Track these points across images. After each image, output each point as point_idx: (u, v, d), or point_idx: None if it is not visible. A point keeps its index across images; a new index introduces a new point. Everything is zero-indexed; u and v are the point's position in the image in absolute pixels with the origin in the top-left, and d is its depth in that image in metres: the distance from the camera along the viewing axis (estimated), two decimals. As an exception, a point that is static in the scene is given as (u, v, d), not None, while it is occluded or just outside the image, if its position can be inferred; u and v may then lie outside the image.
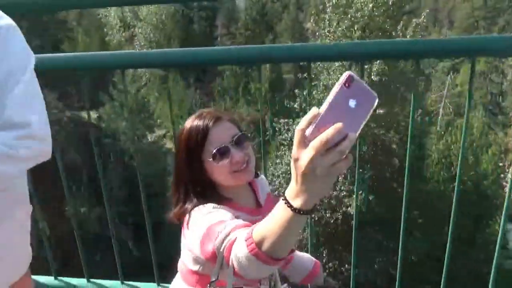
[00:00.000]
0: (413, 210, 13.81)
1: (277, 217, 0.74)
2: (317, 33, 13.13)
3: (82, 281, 2.04)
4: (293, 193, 0.71)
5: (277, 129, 14.78)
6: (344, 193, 13.03)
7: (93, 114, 25.65)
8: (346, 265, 13.44)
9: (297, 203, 0.70)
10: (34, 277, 2.01)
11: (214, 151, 1.05)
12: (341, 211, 13.21)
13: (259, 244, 0.77)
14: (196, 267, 1.08)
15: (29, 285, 1.26)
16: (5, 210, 1.03)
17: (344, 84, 0.67)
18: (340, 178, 13.12)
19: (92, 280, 2.02)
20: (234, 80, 25.39)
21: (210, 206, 1.06)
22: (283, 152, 15.00)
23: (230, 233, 0.91)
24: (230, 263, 0.86)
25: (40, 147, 1.03)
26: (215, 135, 1.07)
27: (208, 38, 34.28)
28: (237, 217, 1.04)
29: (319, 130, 0.66)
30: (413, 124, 1.48)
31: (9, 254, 1.07)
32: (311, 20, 13.38)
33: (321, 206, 13.20)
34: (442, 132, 19.00)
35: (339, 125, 0.65)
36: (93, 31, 30.99)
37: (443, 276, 1.69)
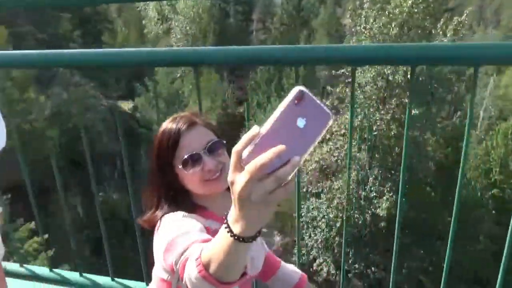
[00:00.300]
0: (447, 217, 13.34)
1: (220, 241, 0.67)
2: (353, 30, 12.84)
3: (106, 279, 2.02)
4: (233, 218, 0.63)
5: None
6: (374, 193, 12.75)
7: (129, 104, 26.43)
8: (373, 268, 13.19)
9: (236, 229, 0.63)
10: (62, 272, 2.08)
11: (185, 158, 1.00)
12: (370, 212, 12.94)
13: (206, 266, 0.71)
14: (165, 276, 1.02)
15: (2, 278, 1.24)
16: None
17: (294, 100, 0.60)
18: (370, 178, 12.85)
19: (116, 279, 2.01)
20: (267, 74, 25.34)
21: (180, 214, 1.01)
22: (313, 149, 14.84)
23: (187, 248, 0.86)
24: (184, 281, 0.81)
25: None
26: (187, 141, 1.02)
27: (243, 32, 34.36)
28: (209, 227, 0.99)
29: (258, 152, 0.59)
30: (469, 133, 1.34)
31: None
32: (348, 16, 13.06)
33: (350, 206, 12.99)
34: (482, 136, 18.20)
35: (279, 148, 0.57)
36: (132, 23, 31.75)
37: None
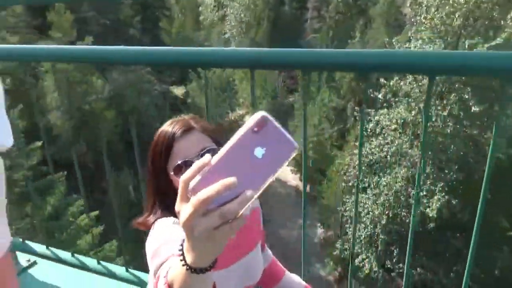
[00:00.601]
0: (504, 221, 12.54)
1: (177, 266, 0.63)
2: (412, 20, 12.19)
3: (122, 269, 2.06)
4: (185, 247, 0.59)
5: (357, 118, 14.25)
6: (424, 192, 12.22)
7: (181, 90, 27.18)
8: (418, 269, 12.73)
9: (188, 259, 0.58)
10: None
11: (177, 164, 0.96)
12: (419, 211, 12.45)
13: (171, 285, 0.67)
14: (155, 280, 1.03)
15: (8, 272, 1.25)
16: None
17: (253, 127, 0.53)
18: (421, 176, 12.33)
19: (130, 270, 2.05)
20: (319, 65, 24.88)
21: (171, 220, 0.98)
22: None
23: (166, 260, 0.84)
24: None
25: None
26: (181, 147, 0.98)
27: (297, 20, 33.91)
28: None
29: (205, 183, 0.53)
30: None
31: None
32: (408, 5, 12.39)
33: (397, 204, 12.57)
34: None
35: (228, 180, 0.51)
36: (189, 10, 32.40)
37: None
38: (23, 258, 2.15)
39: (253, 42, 31.44)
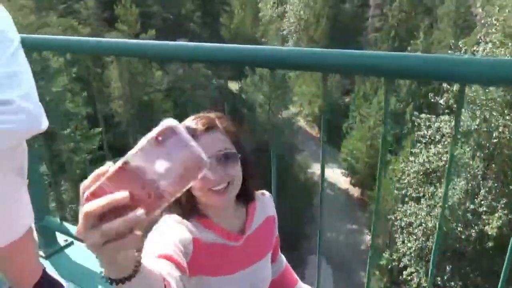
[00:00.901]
0: None
1: None
2: (483, 21, 11.28)
3: None
4: None
5: (416, 124, 13.52)
6: (484, 208, 11.32)
7: (237, 85, 27.49)
8: (472, 288, 11.90)
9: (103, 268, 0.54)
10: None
11: None
12: (477, 228, 11.58)
13: None
14: None
15: (30, 248, 1.36)
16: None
17: (157, 137, 0.47)
18: (482, 190, 11.44)
19: None
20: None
21: (174, 218, 0.96)
22: (418, 150, 13.72)
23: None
24: None
25: (27, 121, 1.05)
26: (199, 144, 0.91)
27: (359, 18, 32.91)
28: (198, 238, 0.93)
29: (102, 193, 0.47)
30: None
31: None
32: (478, 5, 11.49)
33: (452, 218, 11.78)
34: None
35: (120, 195, 0.46)
36: (249, 6, 32.63)
37: None
38: (61, 238, 2.21)
39: (311, 40, 30.99)
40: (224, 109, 1.80)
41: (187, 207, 0.98)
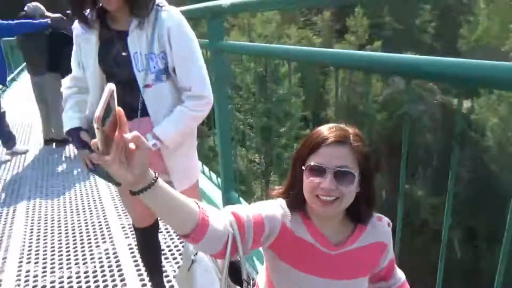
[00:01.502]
0: None
1: None
2: None
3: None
4: None
5: None
6: None
7: (466, 104, 24.24)
8: None
9: None
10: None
11: (312, 164, 0.96)
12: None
13: None
14: None
15: (197, 195, 1.84)
16: (188, 141, 1.67)
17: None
18: None
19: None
20: None
21: (280, 202, 1.04)
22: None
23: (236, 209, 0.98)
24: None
25: (207, 107, 1.56)
26: (325, 153, 0.96)
27: None
28: (284, 223, 1.00)
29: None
30: None
31: (184, 165, 1.67)
32: None
33: None
34: None
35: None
36: (500, 15, 28.15)
37: None
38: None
39: None
40: (441, 127, 1.48)
41: (295, 200, 1.04)
